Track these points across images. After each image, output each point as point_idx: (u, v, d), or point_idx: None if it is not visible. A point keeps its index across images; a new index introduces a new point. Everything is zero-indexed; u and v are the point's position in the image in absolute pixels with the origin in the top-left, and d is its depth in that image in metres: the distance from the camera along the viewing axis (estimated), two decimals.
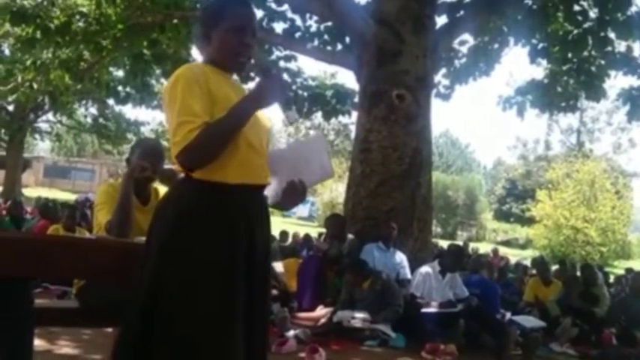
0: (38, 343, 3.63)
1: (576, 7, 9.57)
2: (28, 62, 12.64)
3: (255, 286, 2.21)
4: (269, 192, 2.28)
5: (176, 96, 2.12)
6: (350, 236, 6.95)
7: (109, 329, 3.46)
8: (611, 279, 12.17)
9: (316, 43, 10.56)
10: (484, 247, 19.13)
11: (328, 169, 2.31)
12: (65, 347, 4.22)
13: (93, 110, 28.98)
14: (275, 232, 11.32)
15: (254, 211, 2.25)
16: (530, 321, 6.69)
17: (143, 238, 2.78)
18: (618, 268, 22.42)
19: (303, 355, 4.69)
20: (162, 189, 3.22)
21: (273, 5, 10.50)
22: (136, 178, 3.07)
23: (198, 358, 2.05)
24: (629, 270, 14.06)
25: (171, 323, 2.06)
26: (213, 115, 2.12)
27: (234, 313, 2.10)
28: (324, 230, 8.09)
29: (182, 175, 2.24)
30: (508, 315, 6.74)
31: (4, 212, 9.36)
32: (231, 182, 2.16)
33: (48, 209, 8.26)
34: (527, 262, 14.10)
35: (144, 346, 2.09)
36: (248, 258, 2.18)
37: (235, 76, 2.49)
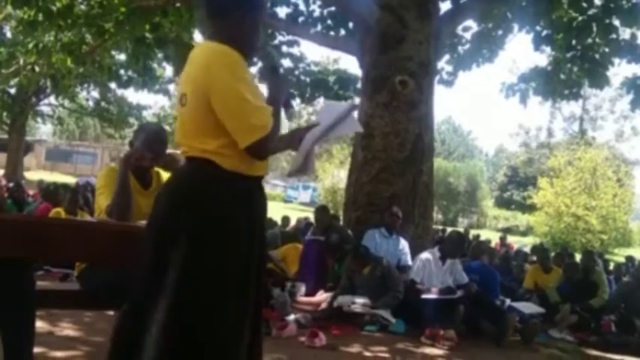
0: (40, 324, 3.66)
1: None
2: (30, 45, 12.60)
3: (261, 270, 2.26)
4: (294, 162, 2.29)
5: (241, 77, 2.06)
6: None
7: (110, 312, 3.49)
8: (611, 267, 12.18)
9: (319, 28, 10.52)
10: (485, 234, 19.16)
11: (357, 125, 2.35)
12: (67, 329, 4.24)
13: (95, 94, 29.02)
14: (277, 217, 11.37)
15: (264, 202, 2.30)
16: (529, 307, 6.72)
17: (145, 222, 2.79)
18: (619, 255, 22.47)
19: (303, 339, 4.72)
20: (164, 173, 3.23)
21: None
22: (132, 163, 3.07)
23: (210, 345, 2.06)
24: (629, 258, 14.11)
25: (197, 308, 2.05)
26: None
27: (248, 295, 2.14)
28: None
29: (195, 161, 2.15)
30: (508, 301, 6.77)
31: (5, 194, 9.36)
32: (253, 174, 2.19)
33: (49, 192, 8.25)
34: (528, 249, 14.13)
35: (170, 326, 2.05)
36: (259, 244, 2.23)
37: None
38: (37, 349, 2.86)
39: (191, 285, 2.05)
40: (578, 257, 10.05)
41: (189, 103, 2.14)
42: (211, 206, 2.09)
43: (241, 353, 2.13)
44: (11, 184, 11.72)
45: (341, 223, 8.13)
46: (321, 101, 13.82)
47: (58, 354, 3.60)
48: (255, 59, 3.27)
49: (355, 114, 2.35)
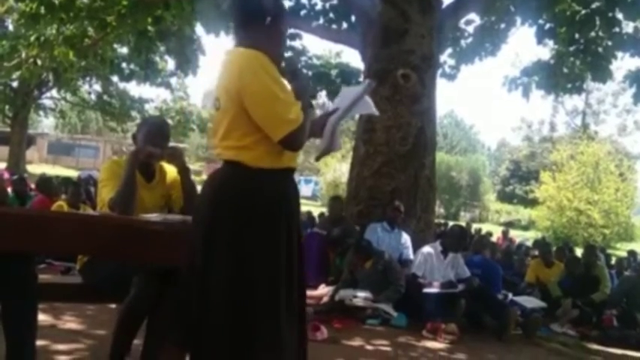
0: (43, 318, 3.66)
1: None
2: (32, 38, 12.57)
3: (300, 264, 2.40)
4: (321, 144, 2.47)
5: (270, 79, 2.20)
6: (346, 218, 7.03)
7: (112, 305, 3.50)
8: (613, 261, 12.17)
9: (321, 21, 10.49)
10: (487, 228, 19.15)
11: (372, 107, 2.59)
12: (69, 322, 4.25)
13: (97, 87, 29.01)
14: None
15: (298, 193, 2.44)
16: (531, 302, 6.73)
17: (148, 215, 2.80)
18: (621, 250, 22.45)
19: None
20: (167, 166, 3.22)
21: None
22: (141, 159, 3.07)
23: (253, 342, 2.19)
24: (631, 252, 14.10)
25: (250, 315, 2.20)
26: None
27: (292, 298, 2.31)
28: (325, 210, 8.17)
29: (226, 164, 2.29)
30: (510, 296, 6.77)
31: (9, 188, 9.34)
32: (286, 167, 2.32)
33: (44, 184, 8.23)
34: (530, 243, 14.13)
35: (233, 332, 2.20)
36: (296, 238, 2.37)
37: None
38: (39, 342, 2.87)
39: (242, 284, 2.20)
40: (579, 252, 10.04)
41: (223, 106, 2.29)
42: (249, 205, 2.24)
43: (288, 339, 2.26)
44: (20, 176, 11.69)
45: None
46: (323, 95, 13.80)
47: (61, 347, 3.61)
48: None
49: (368, 98, 2.56)
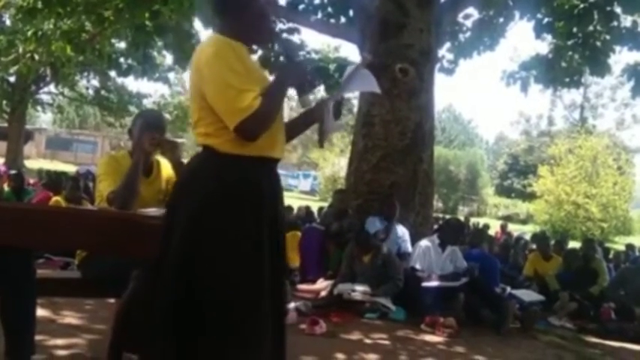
0: (41, 313, 3.67)
1: None
2: (30, 33, 12.55)
3: (278, 257, 2.31)
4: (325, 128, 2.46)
5: (225, 67, 2.16)
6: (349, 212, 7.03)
7: (111, 300, 3.50)
8: (611, 255, 12.19)
9: (320, 15, 10.45)
10: (485, 223, 19.16)
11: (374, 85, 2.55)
12: (68, 317, 4.25)
13: (95, 82, 28.91)
14: None
15: (277, 185, 2.36)
16: (529, 295, 6.74)
17: (146, 210, 2.80)
18: (619, 244, 22.49)
19: (303, 326, 4.73)
20: (163, 161, 3.22)
21: None
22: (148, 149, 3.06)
23: (231, 328, 2.14)
24: (629, 246, 14.13)
25: (206, 296, 2.14)
26: None
27: (262, 285, 2.19)
28: (325, 205, 8.18)
29: (202, 149, 2.27)
30: (508, 289, 6.78)
31: (5, 185, 9.31)
32: (259, 155, 2.24)
33: (51, 181, 8.22)
34: (528, 237, 14.15)
35: (179, 312, 2.16)
36: (272, 230, 2.27)
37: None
38: (38, 337, 2.87)
39: (193, 265, 2.15)
40: (577, 245, 10.05)
41: (191, 95, 2.30)
42: (212, 189, 2.19)
43: (260, 333, 2.18)
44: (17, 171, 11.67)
45: None
46: (322, 89, 13.79)
47: (60, 342, 3.61)
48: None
49: (367, 72, 2.53)
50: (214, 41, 2.24)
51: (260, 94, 2.16)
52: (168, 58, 22.68)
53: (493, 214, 37.03)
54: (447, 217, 14.47)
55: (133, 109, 28.12)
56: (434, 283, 5.79)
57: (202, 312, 2.14)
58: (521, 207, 37.86)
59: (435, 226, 8.67)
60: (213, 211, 2.16)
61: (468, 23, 11.57)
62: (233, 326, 2.14)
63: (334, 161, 32.60)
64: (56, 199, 6.89)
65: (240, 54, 2.23)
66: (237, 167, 2.20)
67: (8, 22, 20.42)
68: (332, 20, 10.45)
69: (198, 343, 2.15)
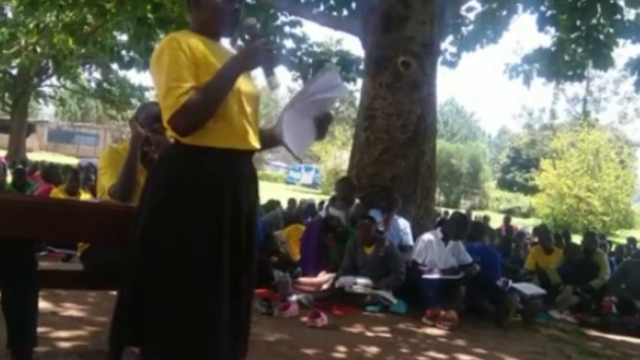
0: (43, 305, 3.68)
1: None
2: (32, 25, 12.55)
3: (241, 249, 2.26)
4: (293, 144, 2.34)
5: (163, 64, 2.16)
6: (357, 201, 7.01)
7: (113, 292, 3.50)
8: (613, 249, 12.19)
9: (322, 8, 10.43)
10: (485, 214, 19.15)
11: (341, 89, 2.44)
12: (70, 310, 4.27)
13: (97, 75, 28.89)
14: (280, 199, 11.38)
15: (241, 176, 2.29)
16: (530, 288, 6.74)
17: None
18: (620, 237, 22.48)
19: (305, 319, 4.74)
20: None
21: None
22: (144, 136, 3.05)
23: (187, 316, 2.12)
24: (630, 239, 14.11)
25: (160, 284, 2.14)
26: (200, 82, 2.15)
27: (219, 274, 2.16)
28: (326, 197, 8.15)
29: (172, 140, 2.27)
30: (510, 282, 6.79)
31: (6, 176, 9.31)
32: (220, 147, 2.19)
33: (51, 172, 8.23)
34: (530, 231, 14.14)
35: (139, 305, 2.18)
36: (234, 222, 2.22)
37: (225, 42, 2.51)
38: (40, 329, 2.88)
39: (149, 256, 2.17)
40: (578, 239, 10.05)
41: None
42: (172, 180, 2.19)
43: (216, 334, 2.15)
44: (21, 166, 11.68)
45: None
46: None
47: (62, 334, 3.62)
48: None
49: (330, 76, 2.38)
50: (163, 41, 2.25)
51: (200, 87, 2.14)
52: None
53: (495, 208, 37.03)
54: (449, 210, 14.48)
55: (135, 101, 28.12)
56: (434, 276, 5.80)
57: (151, 311, 2.15)
58: (524, 200, 37.87)
59: (437, 219, 8.67)
60: (169, 204, 2.16)
61: (471, 16, 11.57)
62: (179, 328, 2.13)
63: (336, 154, 32.60)
64: (56, 191, 6.91)
65: (195, 47, 2.19)
66: (194, 159, 2.17)
67: (10, 15, 20.36)
68: (334, 13, 10.43)
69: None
